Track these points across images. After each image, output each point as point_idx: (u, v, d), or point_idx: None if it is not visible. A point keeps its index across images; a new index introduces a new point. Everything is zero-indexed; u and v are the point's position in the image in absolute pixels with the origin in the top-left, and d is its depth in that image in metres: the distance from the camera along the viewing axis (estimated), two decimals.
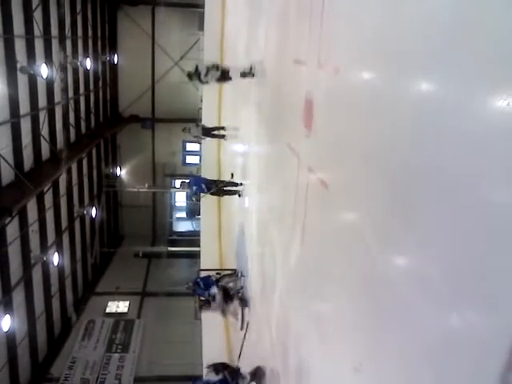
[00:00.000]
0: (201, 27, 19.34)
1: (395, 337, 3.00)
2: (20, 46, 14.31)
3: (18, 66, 13.98)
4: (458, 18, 2.42)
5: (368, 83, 3.63)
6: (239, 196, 10.03)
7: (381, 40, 3.35)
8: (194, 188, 9.92)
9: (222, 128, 12.91)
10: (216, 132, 12.68)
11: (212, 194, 10.29)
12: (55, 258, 16.44)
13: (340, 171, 4.12)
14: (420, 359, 2.66)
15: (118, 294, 21.13)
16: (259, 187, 8.50)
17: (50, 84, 16.69)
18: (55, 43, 17.31)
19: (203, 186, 9.93)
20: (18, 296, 14.64)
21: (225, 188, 10.28)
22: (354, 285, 3.69)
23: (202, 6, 17.24)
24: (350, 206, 3.88)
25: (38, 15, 15.55)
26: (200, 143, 15.55)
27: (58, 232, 17.82)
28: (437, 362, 2.52)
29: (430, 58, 2.66)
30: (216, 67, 10.26)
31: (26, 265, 15.03)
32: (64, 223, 18.52)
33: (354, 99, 3.81)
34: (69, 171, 18.63)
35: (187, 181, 10.25)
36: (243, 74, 9.15)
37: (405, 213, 2.89)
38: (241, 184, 10.04)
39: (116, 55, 24.69)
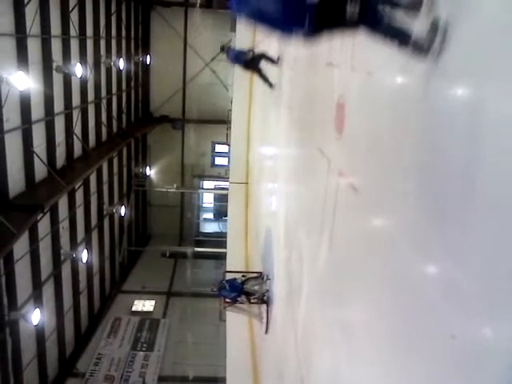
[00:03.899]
0: (233, 28, 19.39)
1: (425, 346, 2.91)
2: (56, 46, 14.61)
3: (54, 65, 14.27)
4: (494, 18, 2.34)
5: (401, 86, 3.55)
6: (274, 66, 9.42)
7: None
8: (233, 55, 10.10)
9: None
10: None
11: (247, 65, 9.96)
12: (84, 255, 16.68)
13: (371, 176, 4.04)
14: (450, 371, 2.57)
15: (144, 293, 21.32)
16: (288, 190, 8.45)
17: (83, 83, 17.00)
18: (90, 43, 17.63)
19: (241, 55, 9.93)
20: (48, 291, 14.90)
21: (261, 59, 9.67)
22: (382, 291, 3.61)
23: None
24: (380, 211, 3.80)
25: (74, 16, 15.86)
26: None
27: (88, 229, 18.10)
28: (467, 374, 2.43)
29: (465, 60, 2.57)
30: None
31: (56, 261, 15.28)
32: (93, 221, 18.80)
33: (387, 103, 3.74)
34: (99, 169, 18.93)
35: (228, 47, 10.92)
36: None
37: (439, 219, 2.79)
38: (278, 59, 9.24)
39: (148, 56, 24.96)
